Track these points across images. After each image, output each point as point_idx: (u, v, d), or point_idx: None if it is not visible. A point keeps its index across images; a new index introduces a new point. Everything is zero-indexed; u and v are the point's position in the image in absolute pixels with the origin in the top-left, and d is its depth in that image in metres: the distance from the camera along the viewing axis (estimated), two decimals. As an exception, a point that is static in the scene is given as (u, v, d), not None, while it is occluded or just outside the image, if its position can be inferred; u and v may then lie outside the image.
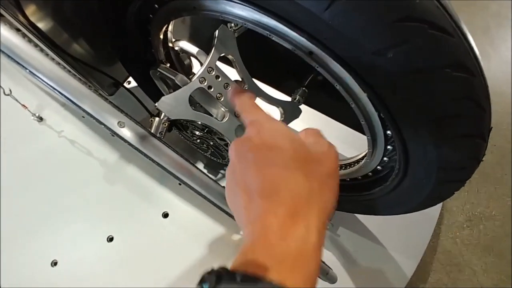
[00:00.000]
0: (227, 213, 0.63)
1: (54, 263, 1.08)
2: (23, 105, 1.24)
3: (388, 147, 0.59)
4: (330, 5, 0.33)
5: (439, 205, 1.14)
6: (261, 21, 0.48)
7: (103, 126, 0.51)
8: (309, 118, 1.23)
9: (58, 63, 0.49)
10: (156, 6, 0.62)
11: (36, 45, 0.49)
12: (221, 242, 1.09)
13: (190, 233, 1.10)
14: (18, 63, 0.47)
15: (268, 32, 0.48)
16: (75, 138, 1.25)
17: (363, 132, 1.06)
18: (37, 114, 1.30)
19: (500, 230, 1.25)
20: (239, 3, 0.46)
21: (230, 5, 0.49)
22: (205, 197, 0.60)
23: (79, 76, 0.50)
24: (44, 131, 1.29)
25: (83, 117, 1.25)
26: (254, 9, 0.46)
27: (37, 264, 1.08)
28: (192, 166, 0.58)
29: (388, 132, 0.55)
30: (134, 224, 1.12)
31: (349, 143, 1.18)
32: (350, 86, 0.49)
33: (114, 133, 0.52)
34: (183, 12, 0.57)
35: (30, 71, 0.47)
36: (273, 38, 0.49)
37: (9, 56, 0.47)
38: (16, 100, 1.16)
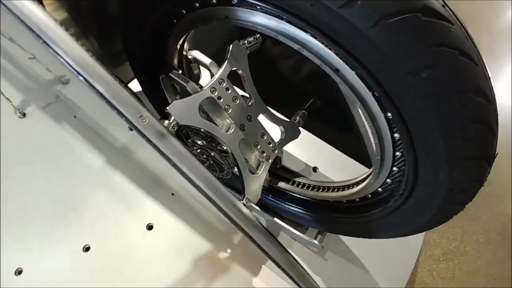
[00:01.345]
0: (237, 224, 0.62)
1: (19, 272, 0.98)
2: (7, 99, 1.17)
3: (394, 168, 0.62)
4: (377, 23, 0.37)
5: (421, 237, 1.18)
6: (294, 35, 0.51)
7: (123, 118, 0.50)
8: (301, 141, 1.27)
9: (88, 50, 0.49)
10: (184, 11, 0.64)
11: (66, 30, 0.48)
12: (206, 259, 1.05)
13: (174, 248, 1.05)
14: (48, 45, 0.46)
15: (299, 46, 0.51)
16: (60, 138, 1.19)
17: (355, 159, 1.11)
18: (20, 110, 1.24)
19: (474, 265, 1.31)
20: (275, 16, 0.49)
21: (265, 17, 0.52)
22: (212, 201, 0.59)
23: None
24: (25, 128, 1.22)
25: (75, 116, 1.20)
26: (289, 23, 0.49)
27: (-2, 272, 0.97)
28: (206, 169, 0.58)
29: (397, 153, 0.58)
30: (115, 234, 1.06)
31: (341, 169, 1.22)
32: (369, 105, 0.52)
33: (134, 127, 0.51)
34: (213, 19, 0.59)
35: (58, 54, 0.46)
36: (303, 53, 0.52)
37: (42, 40, 0.46)
38: (1, 92, 1.11)
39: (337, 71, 0.51)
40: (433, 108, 0.41)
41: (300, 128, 1.00)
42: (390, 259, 1.09)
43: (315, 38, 0.48)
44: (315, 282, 0.89)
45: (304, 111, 1.02)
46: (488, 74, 0.41)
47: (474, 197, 0.54)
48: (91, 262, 1.01)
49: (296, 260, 0.74)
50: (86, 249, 1.03)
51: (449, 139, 0.43)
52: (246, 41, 0.95)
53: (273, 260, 0.69)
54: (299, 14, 0.44)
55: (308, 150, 1.26)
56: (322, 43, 0.48)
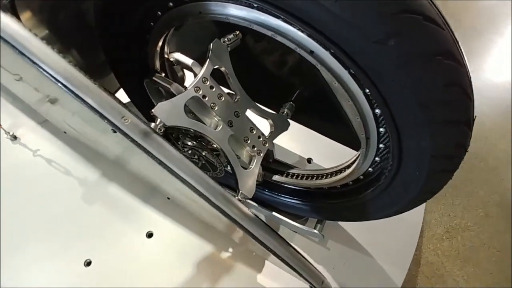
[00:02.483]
0: (226, 214, 0.62)
1: (22, 291, 0.98)
2: (-4, 122, 1.18)
3: (380, 145, 0.63)
4: (339, -3, 0.38)
5: (421, 217, 1.18)
6: (266, 22, 0.52)
7: (105, 121, 0.50)
8: (293, 133, 1.27)
9: (64, 56, 0.49)
10: (159, 13, 0.64)
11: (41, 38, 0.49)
12: (209, 261, 1.04)
13: (176, 253, 1.05)
14: (21, 53, 0.47)
15: (272, 33, 0.52)
16: (53, 156, 1.19)
17: (346, 145, 1.11)
18: (11, 133, 1.24)
19: (476, 240, 1.32)
20: (246, 4, 0.50)
21: (236, 8, 0.53)
22: (205, 197, 0.59)
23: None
24: (17, 150, 1.22)
25: (65, 132, 1.20)
26: (259, 11, 0.50)
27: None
28: (194, 165, 0.58)
29: (381, 129, 0.59)
30: (115, 246, 1.05)
31: (334, 158, 1.22)
32: (347, 83, 0.53)
33: (117, 129, 0.51)
34: (188, 17, 0.60)
35: (33, 61, 0.47)
36: (277, 38, 0.53)
37: (13, 46, 0.47)
38: (-9, 117, 1.11)
39: (311, 53, 0.51)
40: (405, 76, 0.42)
41: (291, 121, 1.01)
42: (392, 242, 1.09)
43: (286, 22, 0.49)
44: (318, 271, 0.90)
45: (291, 102, 1.03)
46: (455, 38, 0.42)
47: (459, 163, 0.55)
48: (93, 277, 1.01)
49: (297, 251, 0.74)
50: (88, 263, 1.02)
51: (424, 105, 0.44)
52: (226, 39, 0.96)
53: (274, 253, 0.69)
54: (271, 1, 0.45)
55: (301, 142, 1.27)
56: (294, 27, 0.48)
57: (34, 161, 1.20)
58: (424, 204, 1.25)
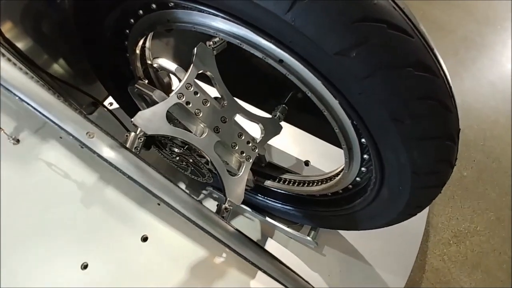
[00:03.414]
0: (203, 229, 0.60)
1: (20, 294, 1.00)
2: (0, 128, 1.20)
3: (365, 156, 0.59)
4: (292, 6, 0.34)
5: (423, 222, 1.13)
6: (231, 31, 0.49)
7: (71, 137, 0.49)
8: (291, 135, 1.24)
9: (26, 72, 0.48)
10: (132, 21, 0.63)
11: (2, 54, 0.48)
12: (203, 265, 1.04)
13: (171, 257, 1.05)
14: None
15: (238, 41, 0.49)
16: (53, 160, 1.21)
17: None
18: (13, 136, 1.27)
19: (486, 245, 1.25)
20: (210, 13, 0.47)
21: (202, 16, 0.50)
22: (179, 212, 0.57)
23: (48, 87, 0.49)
24: (20, 154, 1.25)
25: (61, 137, 1.22)
26: (224, 19, 0.47)
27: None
28: (165, 178, 0.56)
29: (363, 140, 0.55)
30: (112, 249, 1.07)
31: (333, 160, 1.19)
32: (321, 93, 0.49)
33: (83, 145, 0.50)
34: (157, 25, 0.58)
35: (-6, 80, 0.46)
36: (243, 47, 0.49)
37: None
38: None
39: (281, 61, 0.48)
40: (372, 89, 0.38)
41: (287, 124, 0.97)
42: (392, 248, 1.05)
43: (251, 31, 0.46)
44: (310, 284, 0.86)
45: (284, 105, 1.00)
46: (429, 45, 0.38)
47: (447, 179, 0.50)
48: (90, 280, 1.02)
49: (286, 266, 0.71)
50: (84, 266, 1.04)
51: (397, 119, 0.40)
52: (211, 42, 0.93)
53: (259, 268, 0.66)
54: (222, 8, 0.42)
55: (298, 144, 1.23)
56: (258, 35, 0.45)
57: (36, 164, 1.22)
58: (427, 207, 1.20)
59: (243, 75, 1.07)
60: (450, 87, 0.41)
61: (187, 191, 0.58)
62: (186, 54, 0.89)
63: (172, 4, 0.52)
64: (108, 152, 0.51)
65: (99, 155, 0.51)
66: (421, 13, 1.78)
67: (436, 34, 1.73)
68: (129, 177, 0.53)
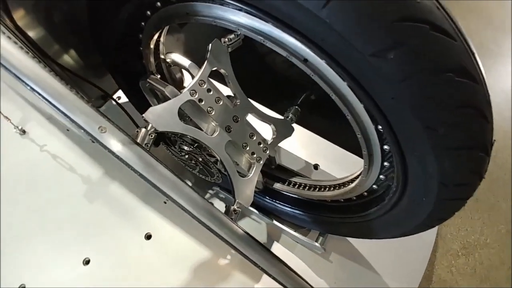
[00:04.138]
0: (212, 230, 0.58)
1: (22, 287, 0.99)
2: (6, 117, 1.19)
3: (385, 163, 0.56)
4: (328, 2, 0.32)
5: (434, 231, 1.10)
6: (254, 26, 0.46)
7: (82, 130, 0.47)
8: (300, 137, 1.22)
9: (39, 61, 0.46)
10: (149, 13, 0.60)
11: (15, 43, 0.46)
12: (206, 267, 1.02)
13: (174, 257, 1.02)
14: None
15: (262, 38, 0.47)
16: (58, 152, 1.20)
17: (355, 153, 1.04)
18: (20, 127, 1.25)
19: (496, 258, 1.22)
20: (232, 7, 0.45)
21: (223, 10, 0.48)
22: (188, 212, 0.55)
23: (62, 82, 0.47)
24: (26, 145, 1.23)
25: (68, 130, 1.20)
26: (248, 14, 0.45)
27: (2, 288, 0.98)
28: (176, 177, 0.54)
29: (385, 146, 0.52)
30: (114, 246, 1.05)
31: (342, 165, 1.16)
32: (345, 96, 0.47)
33: (94, 139, 0.48)
34: (175, 18, 0.56)
35: (6, 67, 0.44)
36: (267, 44, 0.47)
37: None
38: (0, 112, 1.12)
39: (305, 61, 0.46)
40: (408, 94, 0.36)
41: (299, 126, 0.95)
42: (401, 257, 1.02)
43: (276, 27, 0.43)
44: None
45: (297, 107, 0.97)
46: (471, 50, 0.35)
47: (474, 191, 0.48)
48: (91, 275, 1.00)
49: (293, 270, 0.69)
50: (86, 262, 1.02)
51: (431, 128, 0.38)
52: (226, 39, 0.91)
53: (265, 271, 0.64)
54: (250, 2, 0.39)
55: (308, 147, 1.21)
56: (284, 32, 0.43)
57: (41, 156, 1.21)
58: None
59: (255, 74, 1.05)
60: (489, 95, 0.38)
61: (199, 193, 0.56)
62: (198, 51, 0.87)
63: (193, -4, 0.50)
64: (119, 148, 0.49)
65: (110, 151, 0.49)
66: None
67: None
68: (140, 175, 0.51)
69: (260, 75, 1.06)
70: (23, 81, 0.46)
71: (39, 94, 0.46)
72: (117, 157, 0.49)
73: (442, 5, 0.33)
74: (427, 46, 0.33)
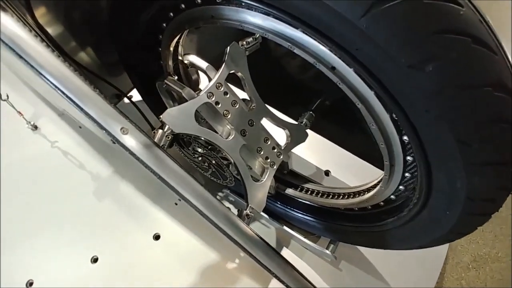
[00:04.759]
0: (227, 234, 0.57)
1: (30, 284, 0.99)
2: (19, 112, 1.19)
3: (406, 174, 0.55)
4: (368, 11, 0.31)
5: (446, 245, 1.08)
6: (283, 32, 0.46)
7: (104, 131, 0.47)
8: (314, 144, 1.21)
9: (64, 61, 0.46)
10: (171, 14, 0.60)
11: (42, 40, 0.46)
12: (214, 270, 1.01)
13: (182, 258, 1.02)
14: (21, 57, 0.44)
15: (289, 44, 0.46)
16: (69, 149, 1.20)
17: (368, 161, 1.03)
18: (32, 122, 1.26)
19: (507, 273, 1.20)
20: (261, 11, 0.45)
21: (251, 14, 0.47)
22: (204, 215, 0.54)
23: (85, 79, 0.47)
24: (37, 140, 1.24)
25: (80, 127, 1.20)
26: (277, 19, 0.44)
27: (10, 285, 0.98)
28: (195, 181, 0.54)
29: (408, 157, 0.51)
30: (122, 245, 1.04)
31: (353, 172, 1.15)
32: (372, 105, 0.46)
33: (116, 140, 0.48)
34: (199, 20, 0.56)
35: (32, 65, 0.44)
36: (294, 51, 0.47)
37: (12, 50, 0.44)
38: (12, 106, 1.12)
39: (333, 69, 0.45)
40: (444, 107, 0.35)
41: (310, 131, 0.94)
42: (412, 269, 1.00)
43: (306, 34, 0.43)
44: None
45: (311, 112, 0.97)
46: (510, 64, 0.34)
47: (500, 206, 0.47)
48: (99, 273, 1.00)
49: (303, 276, 0.68)
50: (94, 260, 1.02)
51: (465, 142, 0.37)
52: (244, 42, 0.90)
53: (276, 277, 0.63)
54: (283, 8, 0.39)
55: (319, 153, 1.20)
56: (314, 39, 0.42)
57: (51, 152, 1.21)
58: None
59: (269, 78, 1.04)
60: (524, 111, 0.37)
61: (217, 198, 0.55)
62: (215, 53, 0.86)
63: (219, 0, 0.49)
64: (141, 150, 0.48)
65: (131, 152, 0.48)
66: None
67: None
68: (160, 177, 0.51)
69: (275, 79, 1.05)
70: (46, 78, 0.45)
71: (63, 93, 0.45)
72: (138, 158, 0.49)
73: (484, 18, 0.32)
74: (467, 59, 0.32)
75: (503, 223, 1.28)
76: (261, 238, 0.62)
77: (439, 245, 0.61)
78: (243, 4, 0.47)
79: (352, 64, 0.40)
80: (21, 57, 0.44)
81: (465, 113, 0.35)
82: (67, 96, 0.46)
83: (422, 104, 0.36)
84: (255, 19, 0.48)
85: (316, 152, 1.18)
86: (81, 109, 0.46)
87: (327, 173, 1.15)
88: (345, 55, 0.39)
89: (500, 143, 0.37)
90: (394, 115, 0.44)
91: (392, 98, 0.39)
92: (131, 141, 0.48)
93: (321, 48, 0.43)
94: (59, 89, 0.46)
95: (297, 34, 0.44)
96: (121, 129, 0.47)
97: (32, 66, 0.45)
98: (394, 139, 0.50)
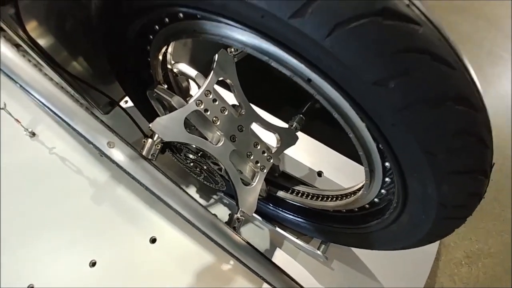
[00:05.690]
0: (215, 242, 0.59)
1: (30, 288, 1.01)
2: (17, 120, 1.21)
3: (386, 179, 0.57)
4: (331, 32, 0.33)
5: (437, 242, 1.10)
6: (260, 47, 0.47)
7: (90, 144, 0.49)
8: (304, 144, 1.22)
9: (51, 79, 0.48)
10: (157, 27, 0.62)
11: (29, 60, 0.47)
12: (209, 271, 1.03)
13: (178, 261, 1.04)
14: (8, 75, 0.45)
15: (267, 58, 0.48)
16: (66, 155, 1.22)
17: (361, 163, 1.05)
18: (29, 129, 1.28)
19: (499, 269, 1.21)
20: (240, 28, 0.46)
21: (230, 29, 0.49)
22: (193, 225, 0.56)
23: (72, 93, 0.48)
24: (35, 147, 1.26)
25: (76, 134, 1.22)
26: (254, 34, 0.46)
27: (11, 288, 1.01)
28: (182, 191, 0.56)
29: (387, 164, 0.53)
30: (120, 248, 1.07)
31: (346, 173, 1.17)
32: (348, 115, 0.48)
33: (103, 154, 0.50)
34: (183, 34, 0.57)
35: (20, 85, 0.46)
36: (271, 64, 0.48)
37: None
38: (10, 114, 1.14)
39: (309, 81, 0.47)
40: (408, 121, 0.36)
41: (303, 133, 0.95)
42: (402, 267, 1.02)
43: (281, 49, 0.44)
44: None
45: (301, 115, 0.98)
46: (471, 78, 0.36)
47: (473, 211, 0.48)
48: (97, 277, 1.03)
49: (294, 280, 0.70)
50: (93, 264, 1.04)
51: (431, 153, 0.38)
52: (233, 49, 0.92)
53: (266, 281, 0.65)
54: (255, 26, 0.40)
55: (312, 154, 1.22)
56: (289, 55, 0.44)
57: (49, 158, 1.23)
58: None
59: (261, 80, 1.06)
60: (489, 121, 0.39)
61: (204, 206, 0.57)
62: (206, 60, 0.88)
63: (200, 16, 0.51)
64: (127, 163, 0.50)
65: (118, 165, 0.50)
66: (448, 24, 1.74)
67: (461, 47, 1.67)
68: (147, 188, 0.53)
69: (266, 81, 1.07)
70: (34, 97, 0.47)
71: (50, 109, 0.47)
72: (125, 171, 0.51)
73: (444, 34, 0.34)
74: (427, 75, 0.34)
75: (496, 219, 1.29)
76: (248, 243, 0.64)
77: (421, 246, 0.63)
78: (222, 20, 0.48)
79: (325, 79, 0.42)
80: (8, 76, 0.46)
81: (428, 127, 0.36)
82: (54, 113, 0.48)
83: (389, 118, 0.37)
84: (234, 33, 0.49)
85: (309, 153, 1.19)
86: (69, 125, 0.48)
87: (319, 174, 1.17)
88: (317, 71, 0.41)
89: (464, 153, 0.39)
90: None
91: (363, 111, 0.41)
92: (117, 154, 0.50)
93: (296, 62, 0.44)
94: (46, 106, 0.48)
95: (273, 48, 0.45)
96: (107, 143, 0.49)
97: (19, 85, 0.47)
98: (371, 147, 0.51)
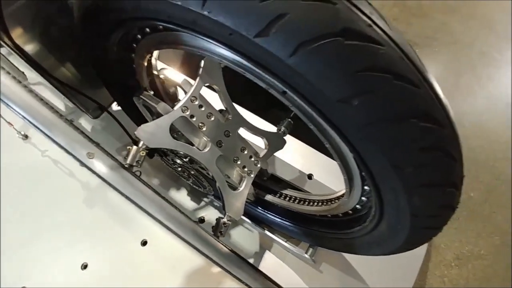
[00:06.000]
0: (197, 249, 0.60)
1: (22, 290, 1.03)
2: (9, 123, 1.22)
3: (365, 187, 0.58)
4: (295, 52, 0.33)
5: (425, 244, 1.11)
6: (235, 60, 0.48)
7: (70, 155, 0.49)
8: (294, 147, 1.23)
9: (30, 91, 0.48)
10: (139, 36, 0.62)
11: (8, 72, 0.48)
12: (200, 274, 1.04)
13: (169, 263, 1.05)
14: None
15: (242, 70, 0.48)
16: (59, 158, 1.23)
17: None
18: (22, 132, 1.28)
19: (489, 270, 1.22)
20: (214, 43, 0.47)
21: (207, 42, 0.49)
22: (174, 232, 0.57)
23: (51, 105, 0.49)
24: (27, 150, 1.26)
25: (67, 138, 1.22)
26: (228, 49, 0.47)
27: (3, 290, 1.02)
28: (163, 200, 0.56)
29: (364, 173, 0.54)
30: (111, 251, 1.08)
31: (336, 176, 1.17)
32: (323, 127, 0.48)
33: (82, 164, 0.50)
34: (163, 44, 0.58)
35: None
36: (247, 76, 0.49)
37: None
38: (2, 117, 1.15)
39: (284, 93, 0.47)
40: (373, 137, 0.37)
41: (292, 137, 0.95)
42: (391, 269, 1.03)
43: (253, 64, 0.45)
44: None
45: (289, 119, 0.99)
46: (436, 95, 0.36)
47: (447, 221, 0.49)
48: (89, 280, 1.04)
49: (278, 285, 0.70)
50: (84, 266, 1.06)
51: (398, 167, 0.39)
52: (219, 55, 0.92)
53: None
54: (226, 42, 0.41)
55: (303, 157, 1.22)
56: (261, 70, 0.44)
57: (42, 161, 1.24)
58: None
59: (248, 85, 1.06)
60: (457, 136, 0.39)
61: (186, 213, 0.58)
62: (196, 61, 0.88)
63: (176, 29, 0.51)
64: (106, 173, 0.51)
65: (98, 175, 0.51)
66: (440, 24, 1.74)
67: (453, 48, 1.68)
68: (127, 197, 0.53)
69: (255, 83, 1.07)
70: (14, 110, 0.48)
71: (30, 122, 0.48)
72: (104, 180, 0.52)
73: (407, 54, 0.34)
74: (390, 94, 0.34)
75: (486, 221, 1.30)
76: (232, 250, 0.65)
77: (401, 252, 0.64)
78: (199, 34, 0.49)
79: (296, 94, 0.42)
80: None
81: (393, 143, 0.37)
82: (33, 125, 0.48)
83: (355, 133, 0.38)
84: (211, 46, 0.50)
85: (299, 156, 1.20)
86: (48, 136, 0.48)
87: (310, 176, 1.17)
88: (288, 86, 0.41)
89: (432, 168, 0.39)
90: (342, 137, 0.47)
91: (333, 125, 0.41)
92: (97, 164, 0.50)
93: (269, 77, 0.45)
94: (26, 118, 0.48)
95: (246, 63, 0.46)
96: (87, 153, 0.50)
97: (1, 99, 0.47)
98: (348, 156, 0.52)
